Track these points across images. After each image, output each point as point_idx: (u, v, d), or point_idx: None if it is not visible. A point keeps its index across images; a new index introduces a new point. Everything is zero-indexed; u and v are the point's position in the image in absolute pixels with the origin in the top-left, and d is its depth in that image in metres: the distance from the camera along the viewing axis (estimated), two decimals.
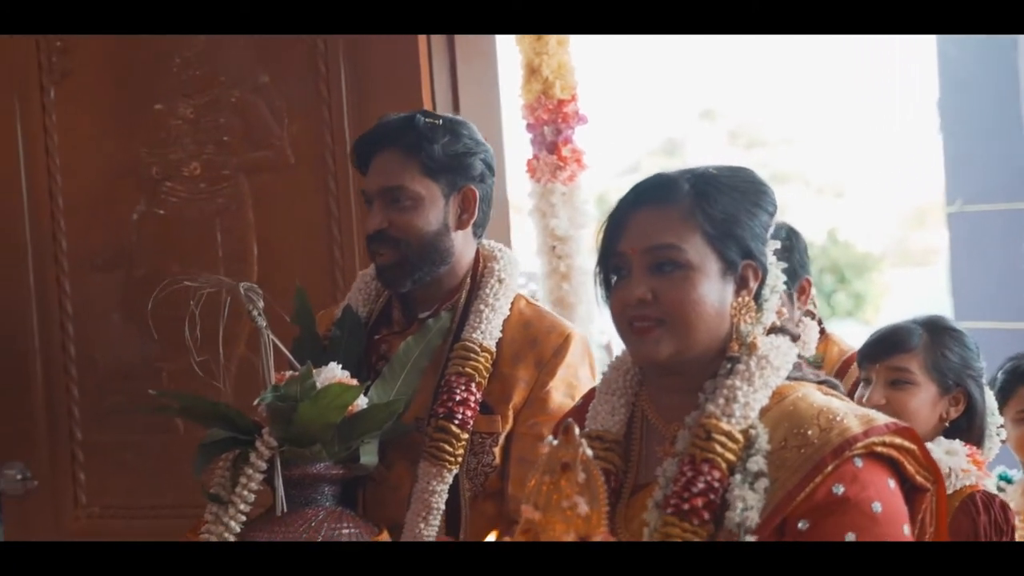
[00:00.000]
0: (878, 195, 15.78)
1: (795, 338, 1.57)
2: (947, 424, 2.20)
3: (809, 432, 1.42)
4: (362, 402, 1.87)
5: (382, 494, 2.04)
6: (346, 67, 2.65)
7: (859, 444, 1.40)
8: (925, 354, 2.19)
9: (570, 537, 1.20)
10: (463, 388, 1.98)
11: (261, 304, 1.87)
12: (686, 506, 1.42)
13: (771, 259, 1.55)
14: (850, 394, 2.34)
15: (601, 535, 1.21)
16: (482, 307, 2.04)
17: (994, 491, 2.14)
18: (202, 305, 1.89)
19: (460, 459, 1.97)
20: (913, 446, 1.46)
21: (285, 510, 1.82)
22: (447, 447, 1.96)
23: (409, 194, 2.00)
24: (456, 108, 2.73)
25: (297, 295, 2.08)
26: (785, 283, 1.58)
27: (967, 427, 2.19)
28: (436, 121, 2.04)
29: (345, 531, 1.83)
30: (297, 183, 2.72)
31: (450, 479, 1.97)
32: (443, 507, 1.96)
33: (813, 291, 2.59)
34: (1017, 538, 2.11)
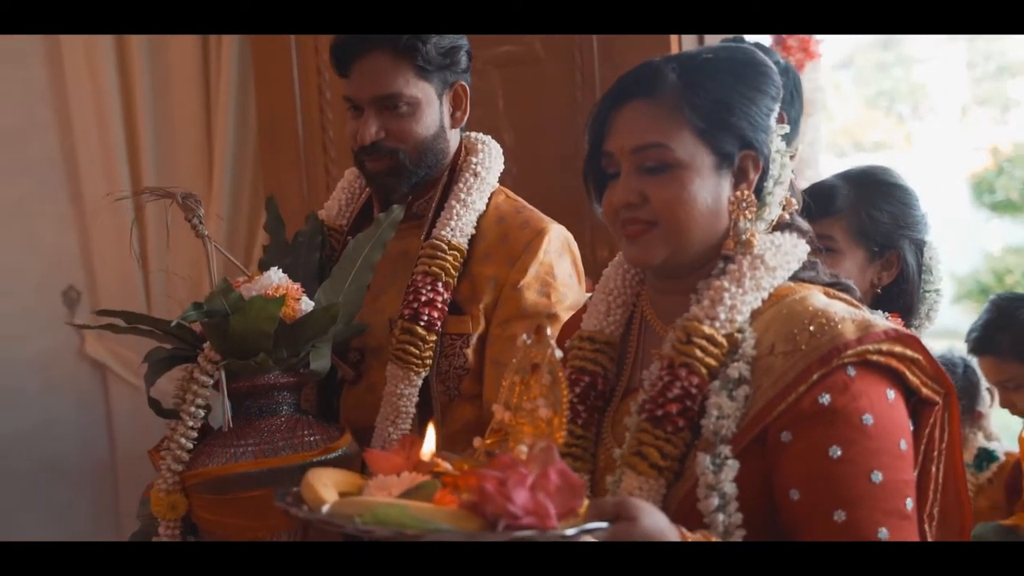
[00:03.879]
0: None
1: (804, 233, 1.45)
2: (879, 291, 1.96)
3: (799, 338, 1.30)
4: (308, 306, 1.77)
5: (359, 396, 1.96)
6: None
7: (850, 352, 1.29)
8: (850, 217, 1.94)
9: (530, 441, 1.16)
10: (429, 288, 1.88)
11: (202, 212, 1.79)
12: (660, 412, 1.32)
13: (776, 147, 1.41)
14: None
15: (559, 439, 1.17)
16: (454, 203, 1.93)
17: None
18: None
19: (428, 361, 1.88)
20: (917, 355, 1.33)
21: (231, 426, 1.74)
22: (413, 349, 1.87)
23: (406, 100, 1.88)
24: None
25: (268, 203, 2.02)
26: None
27: (898, 293, 1.95)
28: None
29: (306, 438, 1.75)
30: (545, 75, 2.81)
31: (418, 382, 1.88)
32: (413, 410, 1.88)
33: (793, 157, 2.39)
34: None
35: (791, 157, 2.36)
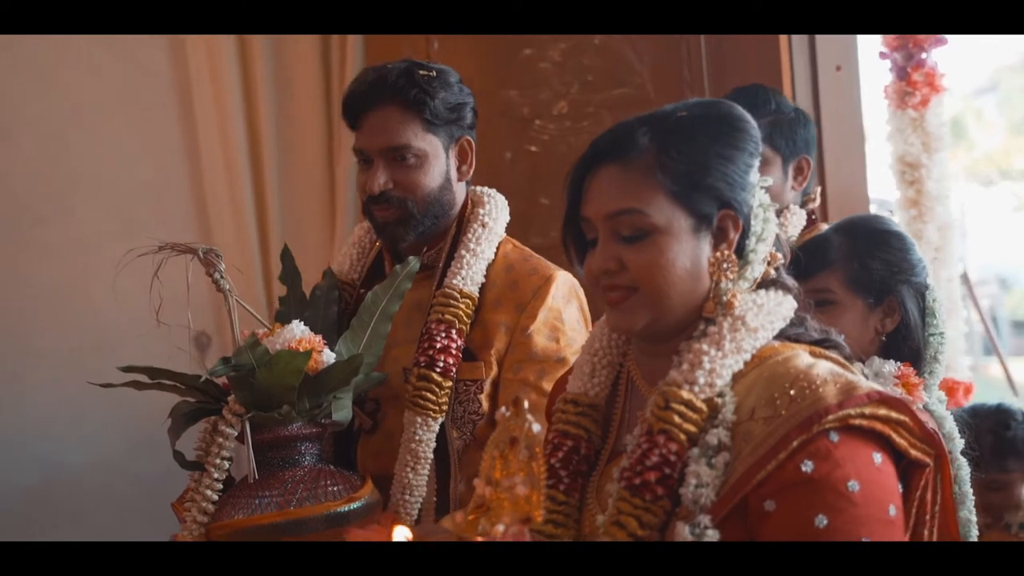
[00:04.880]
0: None
1: (790, 290, 1.41)
2: (883, 338, 1.91)
3: (779, 402, 1.27)
4: (329, 358, 1.80)
5: (376, 444, 2.01)
6: None
7: (831, 417, 1.25)
8: (845, 268, 1.90)
9: (508, 519, 1.13)
10: (444, 335, 1.93)
11: (223, 266, 1.82)
12: (637, 480, 1.29)
13: (758, 202, 1.38)
14: None
15: (538, 517, 1.13)
16: (463, 252, 1.99)
17: (929, 416, 1.80)
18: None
19: (444, 407, 1.93)
20: (903, 417, 1.29)
21: (256, 477, 1.76)
22: (429, 395, 1.91)
23: (414, 152, 1.96)
24: None
25: (283, 255, 2.05)
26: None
27: (902, 340, 1.90)
28: (431, 73, 1.98)
29: (329, 488, 1.77)
30: None
31: (435, 427, 1.92)
32: (431, 456, 1.92)
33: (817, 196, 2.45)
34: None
35: (812, 200, 2.40)
